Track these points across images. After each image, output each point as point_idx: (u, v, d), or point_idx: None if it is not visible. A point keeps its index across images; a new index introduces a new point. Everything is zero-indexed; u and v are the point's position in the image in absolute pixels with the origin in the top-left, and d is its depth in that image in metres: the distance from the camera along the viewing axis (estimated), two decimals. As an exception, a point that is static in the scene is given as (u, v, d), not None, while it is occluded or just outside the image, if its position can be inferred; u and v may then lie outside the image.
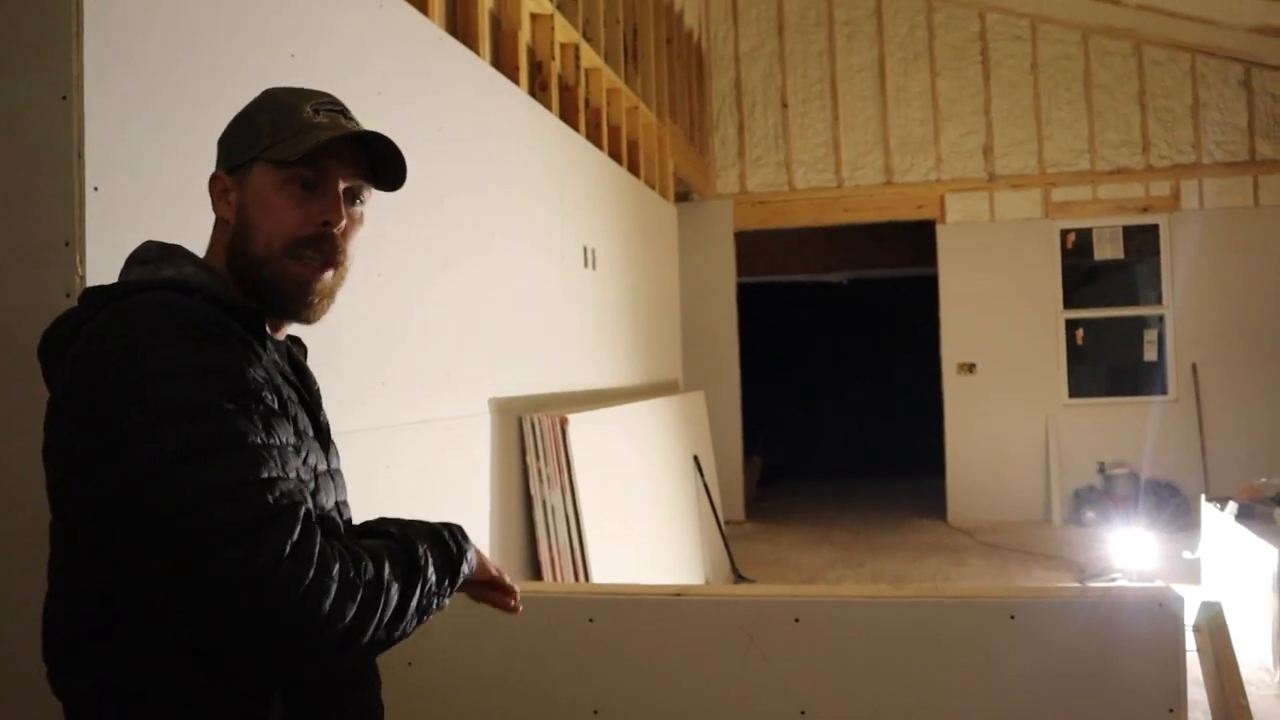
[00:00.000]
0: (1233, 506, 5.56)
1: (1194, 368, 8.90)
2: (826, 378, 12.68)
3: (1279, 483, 5.85)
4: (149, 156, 2.13)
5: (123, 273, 1.33)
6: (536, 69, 4.86)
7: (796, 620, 2.08)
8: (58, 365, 1.24)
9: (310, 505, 1.16)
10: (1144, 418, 8.84)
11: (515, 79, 4.42)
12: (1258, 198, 8.96)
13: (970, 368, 9.19)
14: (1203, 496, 6.34)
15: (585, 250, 5.07)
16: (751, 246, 9.82)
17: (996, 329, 9.13)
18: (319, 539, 1.12)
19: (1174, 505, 8.43)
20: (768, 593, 2.22)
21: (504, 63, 4.41)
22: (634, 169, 6.28)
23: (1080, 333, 9.22)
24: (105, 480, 1.11)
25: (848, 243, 10.85)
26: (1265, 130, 8.97)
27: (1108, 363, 9.73)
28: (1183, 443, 8.81)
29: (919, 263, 9.64)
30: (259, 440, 1.14)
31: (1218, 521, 5.75)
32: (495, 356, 3.97)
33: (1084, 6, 8.63)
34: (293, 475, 1.18)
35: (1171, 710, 1.97)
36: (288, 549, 1.08)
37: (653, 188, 6.76)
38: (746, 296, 9.97)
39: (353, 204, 1.37)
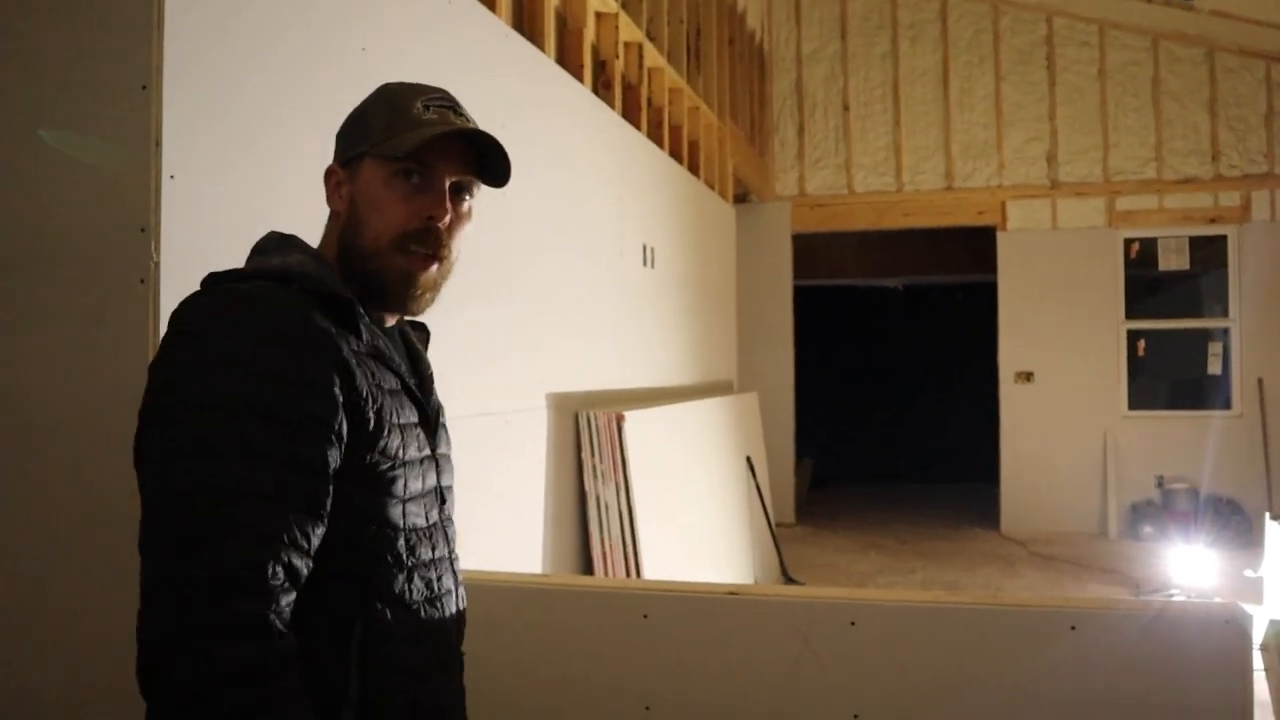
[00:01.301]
0: (1298, 525, 5.43)
1: (1260, 382, 8.70)
2: (880, 383, 12.57)
3: (1347, 502, 5.71)
4: (227, 149, 2.17)
5: (247, 261, 1.37)
6: (600, 67, 4.88)
7: (852, 623, 2.07)
8: None
9: (285, 572, 1.13)
10: (1205, 432, 8.66)
11: (579, 76, 4.45)
12: (1334, 209, 8.75)
13: (1028, 376, 9.07)
14: (1267, 514, 6.20)
15: (644, 248, 5.09)
16: (809, 249, 9.78)
17: (1056, 338, 8.99)
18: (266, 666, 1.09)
19: (1235, 522, 8.26)
20: (823, 594, 2.21)
21: (568, 60, 4.44)
22: (694, 169, 6.29)
23: (1142, 344, 9.06)
24: (143, 468, 1.19)
25: (905, 247, 10.75)
26: (1341, 140, 8.76)
27: (1169, 375, 9.56)
28: (1246, 459, 8.62)
29: (977, 269, 9.53)
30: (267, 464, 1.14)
31: (1282, 540, 5.62)
32: (553, 352, 4.00)
33: (1154, 12, 8.48)
34: (302, 495, 1.17)
35: (1235, 728, 1.94)
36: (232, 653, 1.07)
37: (712, 188, 6.77)
38: (802, 299, 9.93)
39: (459, 199, 1.39)
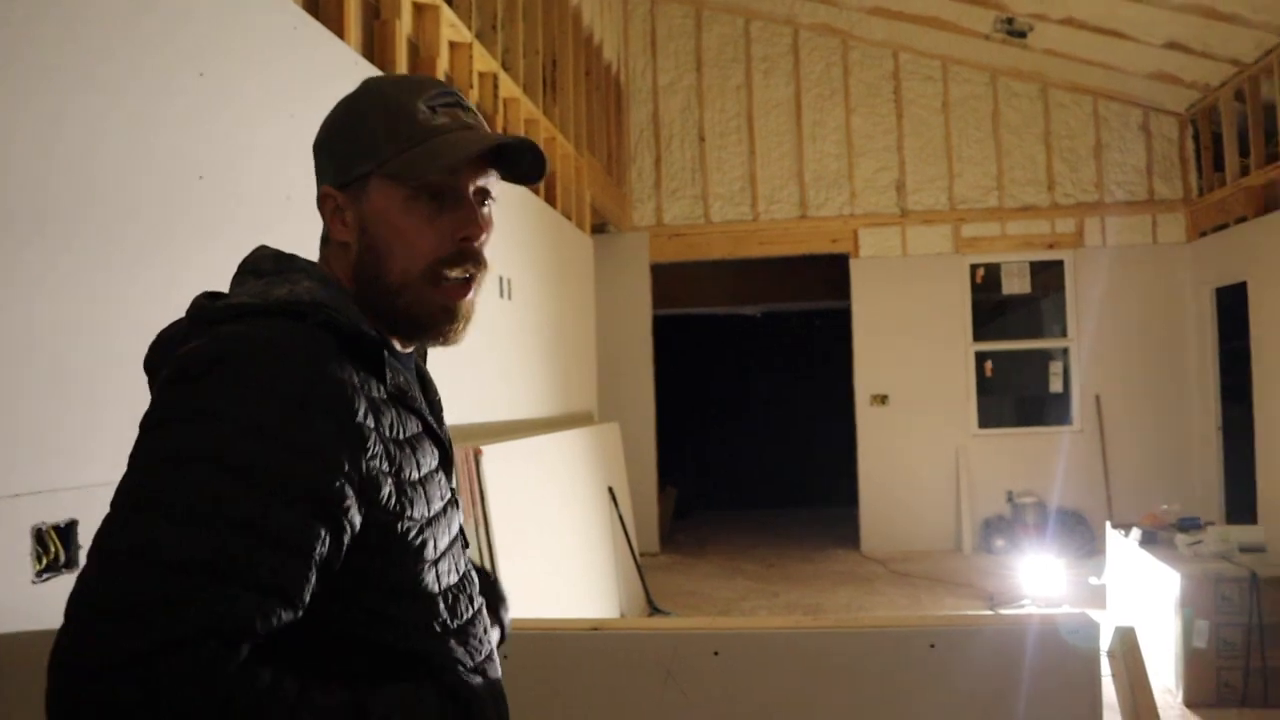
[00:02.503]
0: (1136, 533, 5.70)
1: (1097, 399, 9.14)
2: (741, 410, 12.73)
3: (1179, 510, 6.02)
4: None
5: (234, 282, 1.17)
6: (454, 97, 4.81)
7: (715, 653, 2.03)
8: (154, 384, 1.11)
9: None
10: (1051, 447, 9.05)
11: (431, 105, 4.36)
12: (1156, 235, 9.29)
13: (883, 399, 9.32)
14: (1108, 524, 6.49)
15: (501, 280, 5.01)
16: (668, 279, 9.85)
17: (908, 361, 9.27)
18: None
19: (1080, 533, 8.63)
20: (686, 626, 2.18)
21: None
22: (551, 200, 6.25)
23: (989, 364, 9.42)
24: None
25: (763, 275, 10.94)
26: (1162, 172, 9.32)
27: (1016, 394, 9.97)
28: (1087, 472, 9.03)
29: (832, 295, 9.78)
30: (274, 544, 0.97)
31: (1122, 548, 5.89)
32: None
33: (992, 49, 8.88)
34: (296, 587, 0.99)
35: (1088, 736, 1.98)
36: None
37: (569, 219, 6.74)
38: (662, 328, 9.98)
39: (484, 206, 1.20)
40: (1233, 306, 8.52)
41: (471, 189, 1.17)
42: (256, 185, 2.91)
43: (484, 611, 1.26)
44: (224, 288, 1.18)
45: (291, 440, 0.99)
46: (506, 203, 5.19)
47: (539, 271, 5.75)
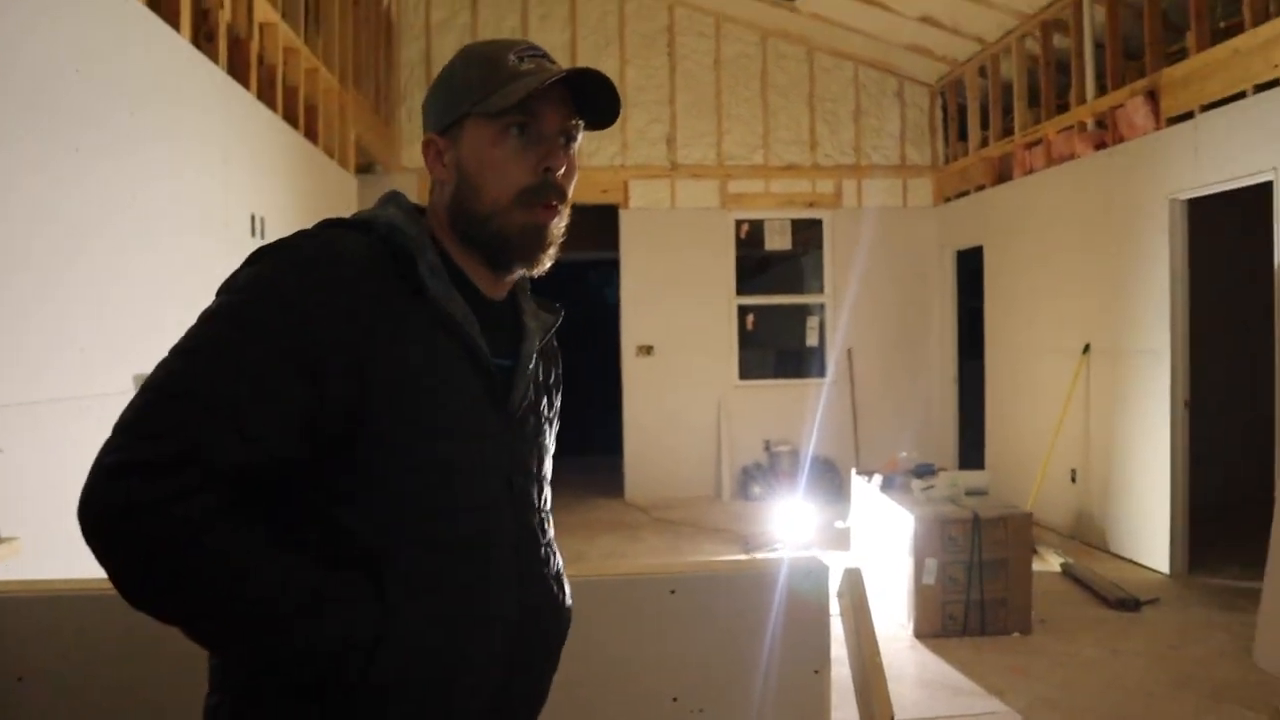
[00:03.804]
0: (877, 478, 6.06)
1: (849, 353, 9.65)
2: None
3: (916, 456, 6.44)
4: None
5: None
6: (203, 17, 4.46)
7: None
8: None
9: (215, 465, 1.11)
10: (806, 398, 9.49)
11: (175, 24, 4.03)
12: (906, 199, 9.85)
13: (649, 350, 9.50)
14: (853, 470, 6.88)
15: (253, 218, 4.73)
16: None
17: (674, 312, 9.48)
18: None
19: (831, 479, 9.12)
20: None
21: (163, 4, 4.01)
22: (312, 135, 5.94)
23: (751, 318, 9.76)
24: None
25: (537, 223, 10.86)
26: (914, 139, 9.86)
27: (776, 347, 10.40)
28: (839, 421, 9.54)
29: (603, 247, 9.82)
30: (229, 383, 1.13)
31: (865, 492, 6.26)
32: (143, 330, 3.59)
33: (764, 10, 9.10)
34: (265, 432, 1.14)
35: (817, 671, 2.09)
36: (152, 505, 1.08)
37: (332, 156, 6.44)
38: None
39: (569, 146, 1.33)
40: (972, 268, 9.17)
41: (556, 127, 1.30)
42: None
43: (543, 555, 1.39)
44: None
45: (297, 309, 1.16)
46: (258, 135, 4.92)
47: (297, 210, 5.45)
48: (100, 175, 3.32)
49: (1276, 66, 5.27)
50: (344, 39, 6.74)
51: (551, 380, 1.50)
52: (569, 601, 1.46)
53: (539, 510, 1.40)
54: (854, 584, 2.08)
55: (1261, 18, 5.39)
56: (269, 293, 1.17)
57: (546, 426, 1.46)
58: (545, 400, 1.46)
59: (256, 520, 1.15)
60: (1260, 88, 5.41)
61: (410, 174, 9.10)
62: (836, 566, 2.15)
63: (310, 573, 1.15)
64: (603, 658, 2.03)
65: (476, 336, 1.27)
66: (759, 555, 7.04)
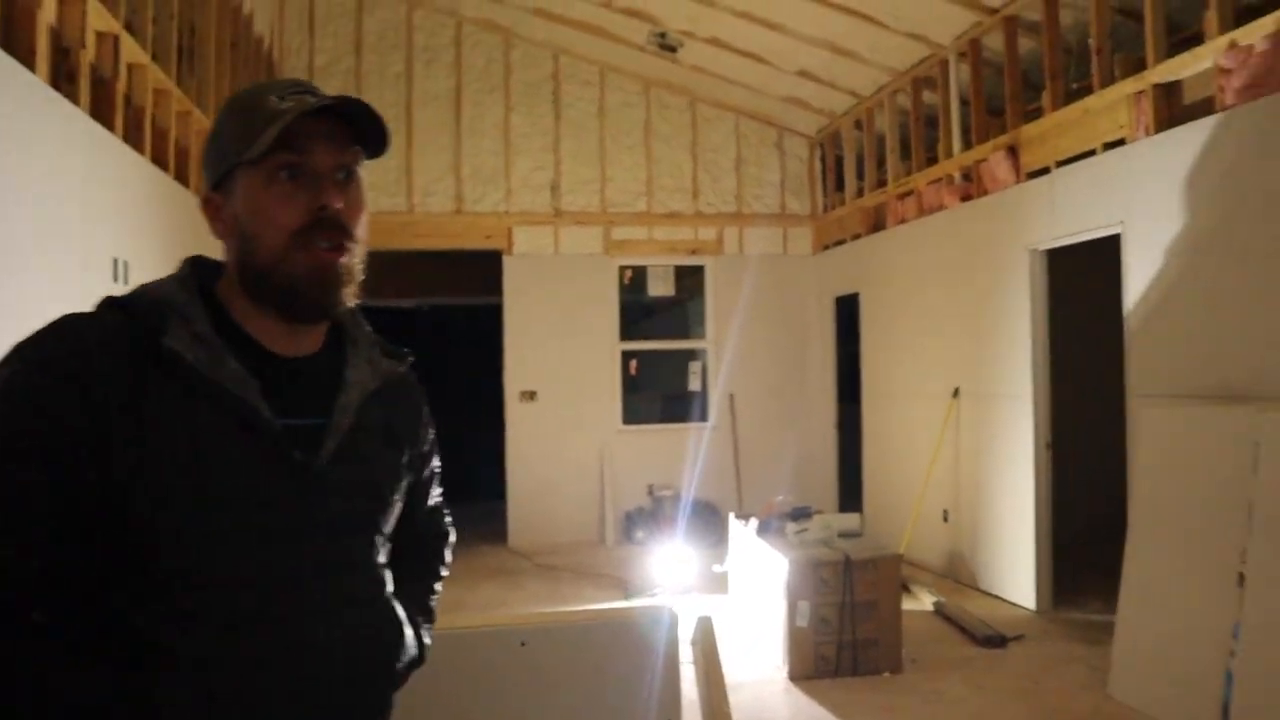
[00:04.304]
0: (754, 522, 6.13)
1: (731, 398, 9.78)
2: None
3: (794, 500, 6.54)
4: None
5: None
6: (64, 55, 4.33)
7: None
8: None
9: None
10: (689, 443, 9.57)
11: (30, 64, 3.91)
12: (787, 247, 10.08)
13: (532, 395, 9.47)
14: (732, 514, 6.94)
15: (116, 263, 4.58)
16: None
17: (557, 358, 9.49)
18: None
19: (713, 523, 9.18)
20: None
21: (17, 43, 3.88)
22: (184, 180, 5.79)
23: (634, 363, 9.83)
24: None
25: (422, 268, 10.78)
26: (793, 188, 10.12)
27: (659, 391, 10.48)
28: (721, 466, 9.64)
29: (490, 291, 9.78)
30: None
31: (742, 536, 6.32)
32: None
33: (646, 61, 9.26)
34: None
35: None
36: None
37: (206, 198, 6.27)
38: (313, 317, 9.58)
39: (349, 181, 1.28)
40: (850, 314, 9.41)
41: (330, 163, 1.26)
42: None
43: (360, 619, 1.31)
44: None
45: (44, 411, 1.12)
46: (123, 178, 4.79)
47: (166, 255, 5.29)
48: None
49: (1122, 126, 5.59)
50: (220, 81, 6.61)
51: (400, 429, 1.44)
52: (406, 657, 1.42)
53: (362, 573, 1.34)
54: (705, 632, 2.10)
55: (1108, 80, 5.71)
56: (13, 400, 1.13)
57: (389, 480, 1.40)
58: (390, 451, 1.41)
59: (41, 632, 1.12)
60: (1109, 145, 5.72)
61: (289, 216, 8.95)
62: (690, 614, 2.17)
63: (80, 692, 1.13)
64: (452, 713, 2.00)
65: (253, 400, 1.21)
66: (639, 600, 7.03)
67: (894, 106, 8.37)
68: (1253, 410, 4.29)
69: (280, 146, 1.21)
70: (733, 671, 5.22)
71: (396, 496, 1.42)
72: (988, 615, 6.23)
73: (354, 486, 1.32)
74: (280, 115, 1.21)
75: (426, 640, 1.54)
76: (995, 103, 7.10)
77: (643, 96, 9.80)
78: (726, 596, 6.69)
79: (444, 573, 1.71)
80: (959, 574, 7.28)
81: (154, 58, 5.31)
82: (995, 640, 5.69)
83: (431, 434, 1.58)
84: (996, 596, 6.77)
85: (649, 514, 9.37)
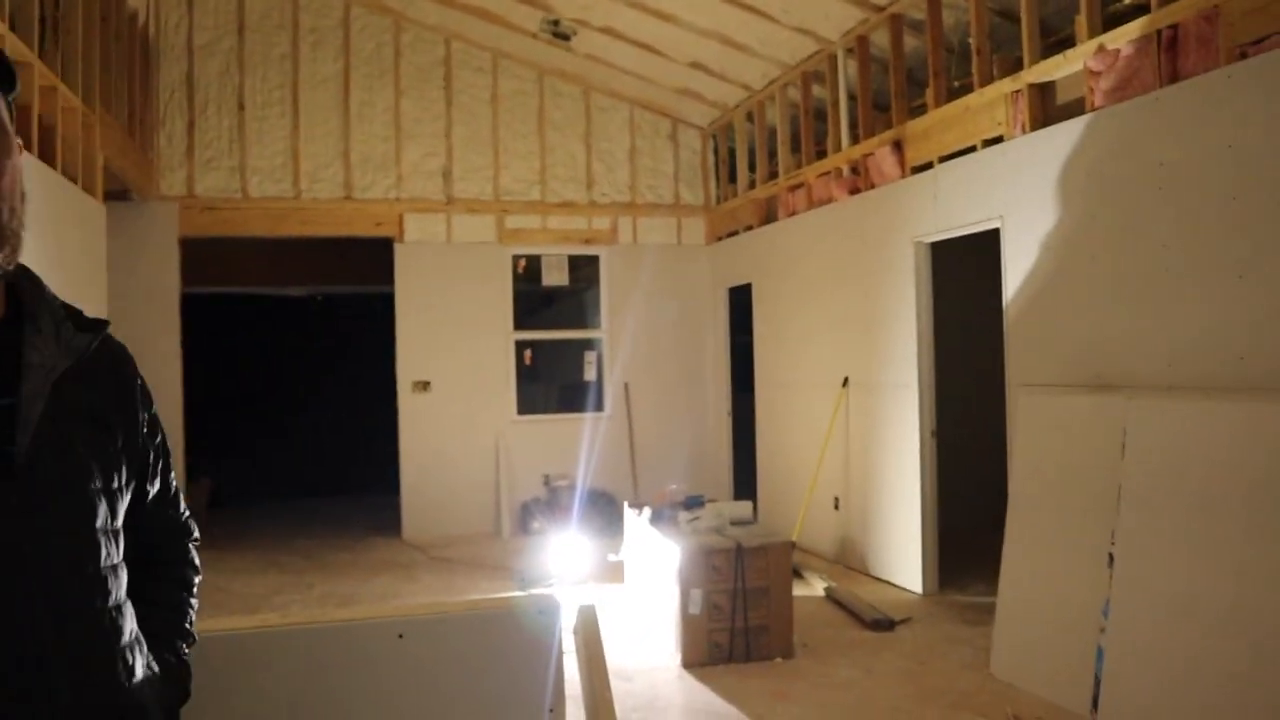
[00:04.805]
0: (648, 511, 6.15)
1: (626, 387, 9.80)
2: (289, 396, 12.21)
3: (685, 489, 6.59)
4: None
5: None
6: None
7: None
8: None
9: None
10: (585, 433, 9.56)
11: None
12: (681, 237, 10.13)
13: (425, 385, 9.34)
14: (626, 503, 6.96)
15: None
16: (203, 254, 9.15)
17: (451, 348, 9.38)
18: None
19: (609, 512, 9.19)
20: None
21: None
22: (48, 158, 5.52)
23: (529, 353, 9.77)
24: None
25: (310, 256, 10.54)
26: (687, 180, 10.17)
27: (555, 381, 10.45)
28: (617, 455, 9.66)
29: (383, 280, 9.62)
30: None
31: (637, 525, 6.34)
32: None
33: (540, 49, 9.19)
34: None
35: (552, 710, 2.07)
36: None
37: (75, 181, 6.02)
38: (197, 308, 9.30)
39: None
40: (743, 305, 9.51)
41: None
42: None
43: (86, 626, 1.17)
44: None
45: None
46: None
47: (27, 236, 5.06)
48: None
49: (1000, 124, 5.76)
50: (89, 56, 6.33)
51: (108, 409, 1.27)
52: (139, 676, 1.25)
53: (84, 571, 1.18)
54: (587, 621, 2.09)
55: (987, 79, 5.87)
56: None
57: (102, 469, 1.22)
58: (100, 435, 1.24)
59: None
60: (988, 142, 5.89)
61: (171, 202, 8.66)
62: (570, 604, 2.16)
63: None
64: (329, 706, 1.96)
65: None
66: (533, 591, 7.00)
67: (785, 100, 8.47)
68: (1121, 399, 4.47)
69: None
70: (626, 660, 5.26)
71: (115, 486, 1.25)
72: (877, 599, 6.37)
73: (59, 481, 1.16)
74: None
75: (184, 657, 1.41)
76: (882, 98, 7.24)
77: (537, 84, 9.73)
78: (622, 586, 6.71)
79: (195, 579, 1.50)
80: (849, 559, 7.43)
81: (12, 27, 5.05)
82: (884, 624, 5.83)
83: (151, 411, 1.39)
84: (886, 581, 6.93)
85: (545, 504, 9.34)
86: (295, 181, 9.04)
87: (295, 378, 12.27)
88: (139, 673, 1.25)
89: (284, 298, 12.06)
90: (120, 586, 1.25)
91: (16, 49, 5.03)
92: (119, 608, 1.23)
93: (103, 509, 1.21)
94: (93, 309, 5.85)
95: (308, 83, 9.12)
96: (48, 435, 1.14)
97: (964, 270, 7.11)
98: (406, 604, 6.06)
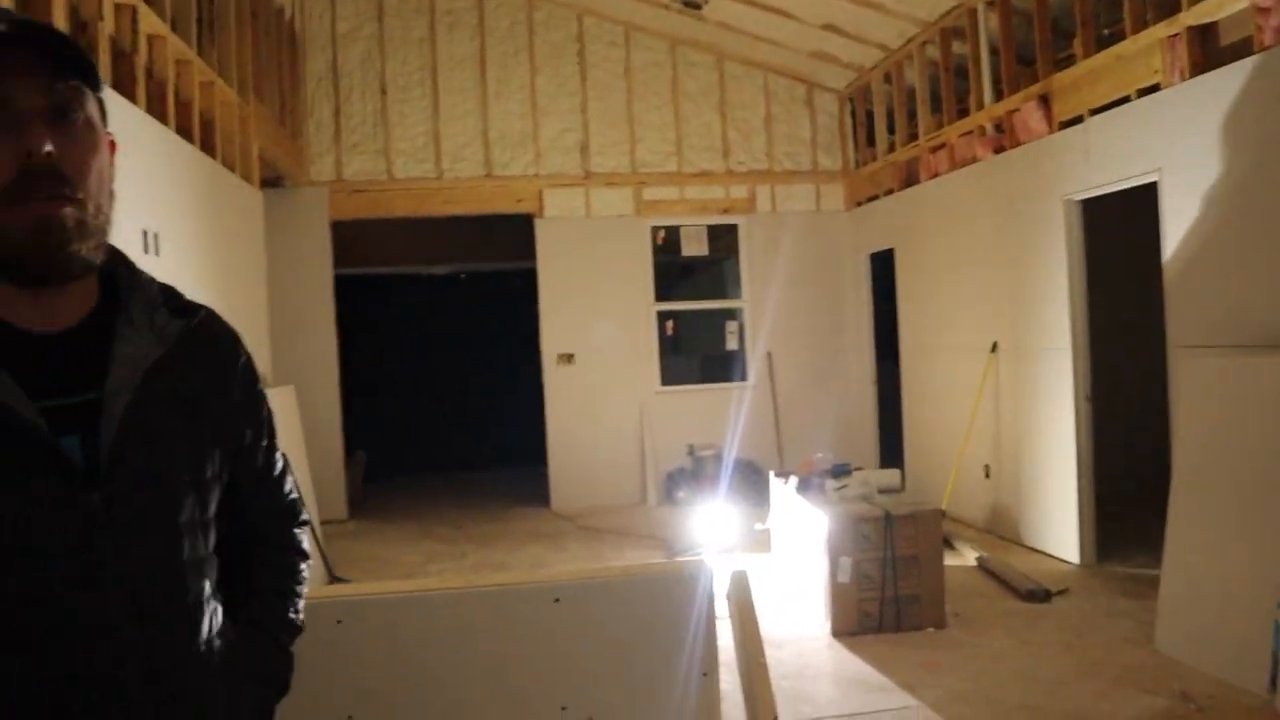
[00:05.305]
0: (794, 480, 6.11)
1: (769, 356, 9.74)
2: (436, 371, 12.57)
3: (833, 457, 6.51)
4: None
5: None
6: (81, 29, 4.34)
7: (339, 621, 1.97)
8: None
9: None
10: (728, 402, 9.54)
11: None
12: (819, 204, 9.97)
13: (569, 358, 9.48)
14: (772, 472, 6.93)
15: (145, 234, 4.62)
16: (353, 237, 9.49)
17: (593, 320, 9.47)
18: None
19: (754, 482, 9.17)
20: (314, 596, 2.10)
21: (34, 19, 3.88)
22: (209, 149, 5.80)
23: (671, 324, 9.80)
24: None
25: (455, 235, 10.80)
26: (825, 145, 9.99)
27: (697, 352, 10.47)
28: (761, 424, 9.62)
29: (524, 255, 9.78)
30: None
31: (783, 494, 6.31)
32: None
33: (672, 19, 9.15)
34: None
35: (705, 674, 2.09)
36: None
37: (233, 170, 6.31)
38: (349, 289, 9.65)
39: (66, 122, 1.10)
40: (885, 270, 9.31)
41: (37, 104, 1.08)
42: None
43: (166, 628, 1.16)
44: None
45: None
46: (148, 150, 4.81)
47: (194, 226, 5.33)
48: None
49: (1156, 72, 5.45)
50: (242, 50, 6.61)
51: (203, 394, 1.25)
52: (222, 671, 1.25)
53: (166, 566, 1.17)
54: (740, 587, 2.09)
55: (1140, 25, 5.56)
56: None
57: (191, 460, 1.21)
58: (192, 424, 1.22)
59: None
60: (1143, 92, 5.59)
61: (321, 186, 8.99)
62: (724, 570, 2.16)
63: None
64: (490, 669, 2.02)
65: (7, 398, 1.07)
66: (682, 559, 7.05)
67: (923, 58, 8.21)
68: (1300, 355, 4.21)
69: None
70: (775, 629, 5.25)
71: (208, 475, 1.24)
72: (1031, 570, 6.19)
73: (144, 475, 1.15)
74: None
75: (283, 646, 1.39)
76: (1026, 51, 6.95)
77: (669, 55, 9.70)
78: (769, 555, 6.69)
79: (302, 564, 1.47)
80: (1001, 529, 7.23)
81: (174, 28, 5.31)
82: (1039, 594, 5.66)
83: (254, 390, 1.37)
84: (1040, 551, 6.72)
85: (690, 474, 9.38)
86: (437, 161, 9.27)
87: (442, 353, 12.61)
88: (221, 667, 1.24)
89: (429, 276, 12.39)
90: (205, 580, 1.24)
91: (178, 49, 5.29)
92: (202, 602, 1.22)
93: (190, 501, 1.21)
94: (255, 293, 6.16)
95: (446, 64, 9.32)
96: (135, 427, 1.13)
97: (1116, 227, 6.79)
98: (562, 569, 6.19)
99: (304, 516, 1.49)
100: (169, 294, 1.26)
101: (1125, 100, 5.74)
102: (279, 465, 1.43)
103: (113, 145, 1.20)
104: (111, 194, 1.17)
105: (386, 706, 1.99)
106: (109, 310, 1.19)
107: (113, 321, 1.18)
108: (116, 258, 1.22)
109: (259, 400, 1.38)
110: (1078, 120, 6.20)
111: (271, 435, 1.41)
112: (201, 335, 1.27)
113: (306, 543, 1.49)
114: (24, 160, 1.06)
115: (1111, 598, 5.64)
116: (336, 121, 9.12)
